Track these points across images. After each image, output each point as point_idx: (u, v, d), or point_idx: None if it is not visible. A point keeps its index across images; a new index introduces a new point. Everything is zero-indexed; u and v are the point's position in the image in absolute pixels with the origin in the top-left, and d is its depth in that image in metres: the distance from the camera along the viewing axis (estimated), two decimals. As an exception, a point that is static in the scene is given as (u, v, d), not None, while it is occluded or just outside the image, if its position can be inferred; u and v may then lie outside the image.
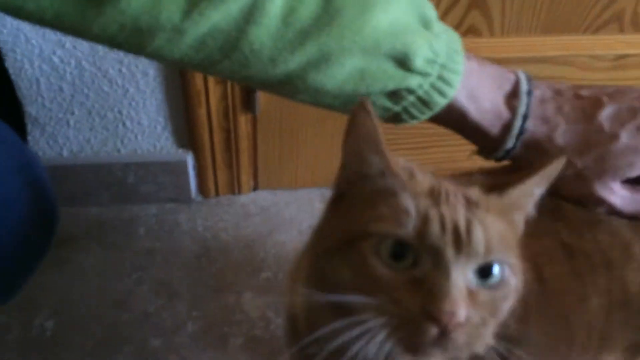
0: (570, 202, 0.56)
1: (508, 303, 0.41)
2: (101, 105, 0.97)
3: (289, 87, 0.51)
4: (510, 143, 0.54)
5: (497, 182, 0.45)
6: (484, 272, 0.39)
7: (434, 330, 0.37)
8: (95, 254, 1.05)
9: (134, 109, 0.98)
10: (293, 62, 0.47)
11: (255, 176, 1.17)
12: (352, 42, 0.47)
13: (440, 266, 0.38)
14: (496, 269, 0.40)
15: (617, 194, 0.54)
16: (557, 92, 0.55)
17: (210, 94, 0.96)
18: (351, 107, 0.43)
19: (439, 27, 0.51)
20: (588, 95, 0.54)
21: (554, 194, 0.51)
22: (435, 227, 0.38)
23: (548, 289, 0.55)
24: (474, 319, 0.38)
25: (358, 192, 0.43)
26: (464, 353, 0.39)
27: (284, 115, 1.04)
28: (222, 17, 0.44)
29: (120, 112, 0.98)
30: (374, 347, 0.39)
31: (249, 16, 0.45)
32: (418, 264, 0.39)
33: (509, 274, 0.41)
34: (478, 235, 0.39)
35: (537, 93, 0.53)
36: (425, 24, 0.50)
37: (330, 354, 0.43)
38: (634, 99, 0.53)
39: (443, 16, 0.93)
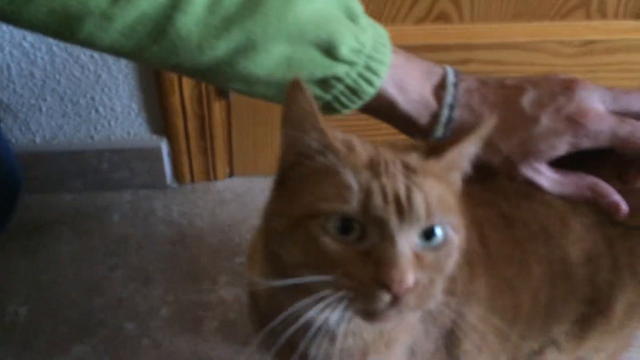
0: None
1: (453, 259, 0.43)
2: (73, 91, 0.97)
3: (219, 74, 0.52)
4: (439, 132, 0.55)
5: (435, 145, 0.47)
6: (428, 234, 0.41)
7: (386, 297, 0.39)
8: (69, 240, 1.05)
9: (107, 95, 0.98)
10: (220, 49, 0.49)
11: (230, 163, 1.17)
12: (276, 29, 0.48)
13: (386, 236, 0.40)
14: (438, 231, 0.42)
15: (543, 175, 0.55)
16: (483, 83, 0.56)
17: (184, 81, 0.96)
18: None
19: (366, 21, 0.53)
20: (512, 84, 0.56)
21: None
22: (377, 200, 0.40)
23: (492, 254, 0.58)
24: (422, 281, 0.40)
25: (300, 173, 0.44)
26: (417, 309, 0.41)
27: (257, 101, 1.04)
28: (149, 4, 0.46)
29: (92, 99, 0.98)
30: (336, 318, 0.41)
31: (176, 3, 0.46)
32: (365, 237, 0.40)
33: (451, 233, 0.43)
34: (418, 201, 0.40)
35: (463, 84, 0.55)
36: (351, 17, 0.52)
37: (295, 331, 0.45)
38: (555, 84, 0.54)
39: (413, 4, 0.95)
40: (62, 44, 0.90)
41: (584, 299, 0.60)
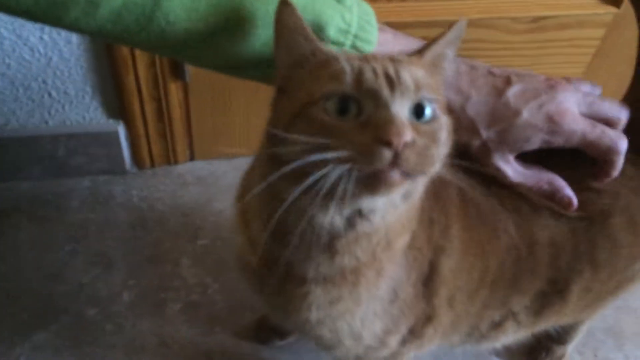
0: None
1: (444, 134, 0.45)
2: (24, 75, 0.95)
3: (207, 57, 0.54)
4: None
5: (415, 51, 0.50)
6: (418, 111, 0.44)
7: (387, 153, 0.40)
8: (28, 228, 1.04)
9: (59, 79, 0.96)
10: (208, 32, 0.50)
11: (191, 146, 1.17)
12: (264, 13, 0.50)
13: (380, 104, 0.42)
14: (427, 109, 0.44)
15: (511, 165, 0.59)
16: (472, 67, 0.59)
17: (138, 62, 0.95)
18: (273, 76, 0.48)
19: (351, 0, 0.54)
20: (500, 73, 0.59)
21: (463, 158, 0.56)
22: (369, 74, 0.43)
23: (469, 214, 0.60)
24: (419, 142, 0.42)
25: (297, 79, 0.47)
26: (419, 173, 0.43)
27: (215, 83, 1.04)
28: None
29: (45, 82, 0.96)
30: (339, 183, 0.42)
31: None
32: (362, 112, 0.43)
33: (439, 112, 0.45)
34: (406, 75, 0.43)
35: (452, 66, 0.57)
36: None
37: (295, 248, 0.49)
38: (539, 82, 0.58)
39: (368, -20, 0.95)
40: (10, 26, 0.88)
41: (545, 278, 0.63)
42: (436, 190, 0.57)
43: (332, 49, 0.51)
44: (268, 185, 0.46)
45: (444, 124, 0.46)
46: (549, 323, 0.71)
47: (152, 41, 0.51)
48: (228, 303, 0.96)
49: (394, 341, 0.63)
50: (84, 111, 1.03)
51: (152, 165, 1.16)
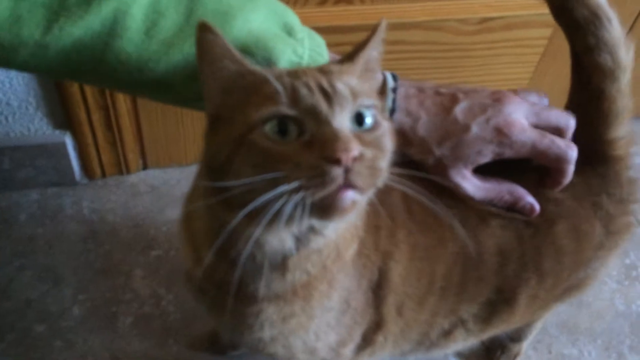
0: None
1: (388, 140, 0.45)
2: (-37, 86, 0.92)
3: (160, 93, 0.54)
4: None
5: (345, 56, 0.50)
6: (359, 120, 0.43)
7: (338, 171, 0.39)
8: (-28, 244, 1.01)
9: (1, 90, 0.93)
10: (160, 70, 0.50)
11: (143, 155, 1.14)
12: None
13: (321, 122, 0.41)
14: (367, 115, 0.44)
15: (468, 181, 0.60)
16: (420, 90, 0.60)
17: (82, 71, 0.93)
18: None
19: (302, 32, 0.55)
20: (447, 92, 0.60)
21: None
22: (304, 91, 0.42)
23: (414, 220, 0.60)
24: (367, 155, 0.41)
25: (228, 106, 0.45)
26: (371, 187, 0.42)
27: (164, 90, 1.02)
28: (84, 32, 0.47)
29: (-15, 94, 0.94)
30: (295, 210, 0.40)
31: (112, 30, 0.48)
32: (304, 131, 0.41)
33: (379, 117, 0.45)
34: (341, 86, 0.43)
35: (401, 90, 0.59)
36: (288, 31, 0.54)
37: (250, 255, 0.48)
38: (485, 97, 0.59)
39: (314, -16, 0.95)
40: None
41: (493, 287, 0.64)
42: (380, 196, 0.57)
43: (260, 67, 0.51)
44: (213, 214, 0.45)
45: (386, 130, 0.45)
46: (497, 330, 0.71)
47: (105, 80, 0.53)
48: (182, 314, 0.94)
49: (348, 351, 0.63)
50: (28, 122, 1.00)
51: (103, 175, 1.13)
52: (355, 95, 0.43)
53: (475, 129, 0.57)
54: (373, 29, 0.49)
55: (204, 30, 0.44)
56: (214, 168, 0.45)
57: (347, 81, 0.44)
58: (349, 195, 0.40)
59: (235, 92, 0.45)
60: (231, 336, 0.66)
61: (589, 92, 0.61)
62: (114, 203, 1.10)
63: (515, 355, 0.92)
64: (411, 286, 0.60)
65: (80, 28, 0.47)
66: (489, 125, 0.57)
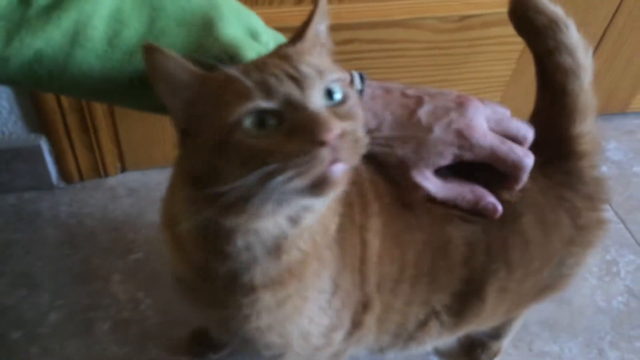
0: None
1: (358, 108, 0.46)
2: None
3: (131, 101, 0.55)
4: None
5: (294, 35, 0.50)
6: (329, 94, 0.44)
7: (325, 152, 0.40)
8: (-53, 251, 0.99)
9: (-28, 94, 0.92)
10: (124, 80, 0.51)
11: (121, 157, 1.13)
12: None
13: (297, 108, 0.42)
14: (336, 89, 0.44)
15: (430, 181, 0.61)
16: (387, 91, 0.61)
17: (55, 73, 0.92)
18: None
19: (267, 35, 0.56)
20: (413, 94, 0.61)
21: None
22: (273, 81, 0.42)
23: (384, 204, 0.61)
24: (348, 129, 0.42)
25: (196, 117, 0.45)
26: (357, 156, 0.43)
27: (141, 91, 1.01)
28: (45, 44, 0.47)
29: (-44, 98, 0.92)
30: (292, 195, 0.42)
31: (73, 41, 0.48)
32: (283, 120, 0.42)
33: (346, 88, 0.46)
34: (305, 67, 0.43)
35: (368, 91, 0.60)
36: (254, 35, 0.54)
37: (245, 245, 0.49)
38: (450, 100, 0.61)
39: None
40: None
41: (462, 278, 0.64)
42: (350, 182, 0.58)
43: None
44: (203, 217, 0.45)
45: (355, 99, 0.46)
46: (472, 325, 0.72)
47: (71, 90, 0.52)
48: (161, 318, 0.93)
49: (338, 336, 0.64)
50: (2, 126, 0.98)
51: (81, 179, 1.12)
52: (321, 73, 0.44)
53: (437, 131, 0.59)
54: (315, 2, 0.50)
55: (151, 52, 0.44)
56: (197, 177, 0.45)
57: (310, 61, 0.44)
58: (339, 168, 0.41)
59: (199, 102, 0.45)
60: (226, 331, 0.65)
61: (553, 91, 0.63)
62: (92, 207, 1.08)
63: (496, 353, 0.92)
64: (386, 267, 0.62)
65: (40, 40, 0.47)
66: (451, 128, 0.59)
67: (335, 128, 0.40)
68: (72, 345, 0.89)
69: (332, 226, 0.55)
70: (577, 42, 0.61)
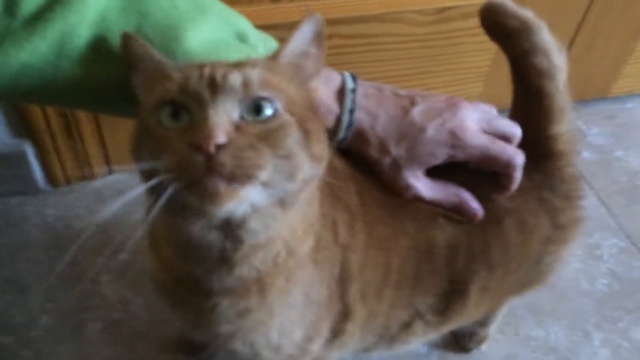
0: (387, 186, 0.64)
1: (289, 137, 0.44)
2: None
3: (121, 109, 0.55)
4: (341, 134, 0.61)
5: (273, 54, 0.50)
6: (257, 109, 0.43)
7: (199, 158, 0.39)
8: None
9: (-46, 101, 0.92)
10: (114, 88, 0.51)
11: (107, 160, 1.13)
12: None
13: (201, 108, 0.42)
14: (267, 107, 0.43)
15: (420, 181, 0.62)
16: (379, 90, 0.62)
17: (37, 78, 0.92)
18: None
19: (256, 37, 0.56)
20: (405, 94, 0.62)
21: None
22: (193, 79, 0.43)
23: (368, 212, 0.61)
24: (240, 143, 0.40)
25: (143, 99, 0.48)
26: (245, 178, 0.41)
27: (123, 93, 1.01)
28: (31, 56, 0.47)
29: (-62, 105, 0.92)
30: (177, 196, 0.41)
31: (60, 52, 0.48)
32: (193, 119, 0.42)
33: (283, 112, 0.44)
34: (233, 77, 0.43)
35: (360, 90, 0.61)
36: (242, 38, 0.55)
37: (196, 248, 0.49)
38: (441, 101, 0.62)
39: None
40: None
41: (445, 279, 0.65)
42: (334, 192, 0.58)
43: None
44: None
45: (289, 125, 0.44)
46: (455, 323, 0.73)
47: (56, 100, 0.53)
48: (151, 317, 0.94)
49: (316, 346, 0.63)
50: (-15, 132, 0.98)
51: (68, 182, 1.12)
52: (249, 86, 0.43)
53: (431, 130, 0.60)
54: (294, 25, 0.49)
55: (127, 39, 0.48)
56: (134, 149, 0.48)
57: (248, 73, 0.43)
58: (217, 183, 0.39)
59: (146, 86, 0.48)
60: (194, 334, 0.67)
61: (530, 92, 0.63)
62: (79, 210, 1.09)
63: (483, 339, 0.93)
64: (369, 274, 0.62)
65: (26, 52, 0.47)
66: (444, 128, 0.60)
67: (216, 137, 0.39)
68: (65, 348, 0.90)
69: (302, 248, 0.54)
70: (551, 43, 0.61)
